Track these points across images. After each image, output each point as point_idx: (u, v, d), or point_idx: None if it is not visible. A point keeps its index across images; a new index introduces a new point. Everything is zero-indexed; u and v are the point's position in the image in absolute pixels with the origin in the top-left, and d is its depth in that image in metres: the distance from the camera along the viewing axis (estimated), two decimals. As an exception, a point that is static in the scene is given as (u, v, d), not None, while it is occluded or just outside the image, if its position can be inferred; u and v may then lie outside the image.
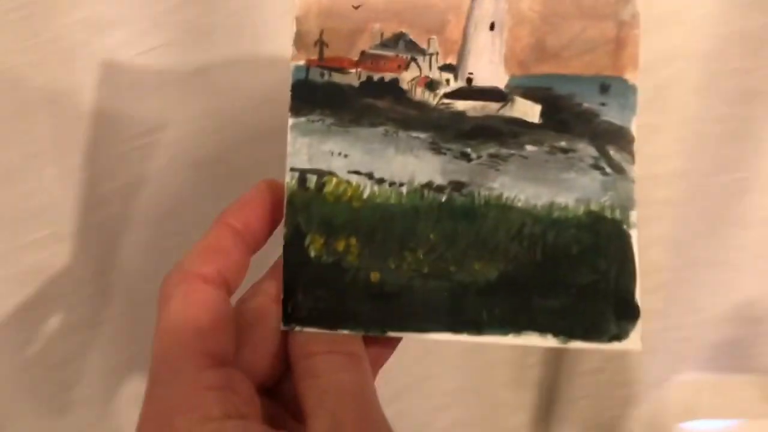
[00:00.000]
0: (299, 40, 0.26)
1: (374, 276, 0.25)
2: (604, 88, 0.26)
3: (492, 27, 0.26)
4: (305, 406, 0.23)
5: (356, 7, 0.26)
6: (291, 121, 0.26)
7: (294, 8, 0.26)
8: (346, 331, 0.25)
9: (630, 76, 0.26)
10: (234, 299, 0.26)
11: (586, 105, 0.26)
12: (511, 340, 0.25)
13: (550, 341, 0.25)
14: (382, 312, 0.25)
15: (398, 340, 0.27)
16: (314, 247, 0.25)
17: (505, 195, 0.26)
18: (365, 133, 0.26)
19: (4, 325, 0.40)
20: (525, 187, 0.26)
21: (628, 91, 0.26)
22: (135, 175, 0.39)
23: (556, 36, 0.26)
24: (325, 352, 0.24)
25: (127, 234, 0.41)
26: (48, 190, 0.37)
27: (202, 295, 0.24)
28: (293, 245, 0.25)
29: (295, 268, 0.25)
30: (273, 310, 0.25)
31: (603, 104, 0.26)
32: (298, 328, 0.25)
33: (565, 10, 0.26)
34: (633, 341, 0.25)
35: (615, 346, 0.25)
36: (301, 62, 0.26)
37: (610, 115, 0.26)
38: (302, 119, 0.26)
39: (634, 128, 0.26)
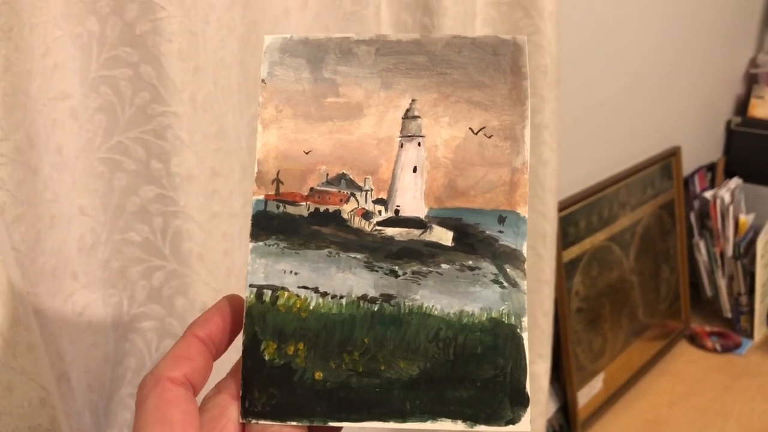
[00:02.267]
0: (260, 179, 0.32)
1: (318, 375, 0.31)
2: (502, 219, 0.33)
3: (415, 170, 0.33)
4: None
5: (307, 153, 0.33)
6: (251, 245, 0.32)
7: (256, 152, 0.33)
8: (294, 423, 0.30)
9: (521, 210, 0.33)
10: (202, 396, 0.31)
11: (488, 232, 0.33)
12: (429, 425, 0.31)
13: (459, 426, 0.31)
14: (325, 405, 0.31)
15: (339, 428, 0.32)
16: (268, 351, 0.31)
17: (425, 305, 0.32)
18: (312, 255, 0.32)
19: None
20: (441, 298, 0.32)
21: (520, 221, 0.33)
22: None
23: (464, 178, 0.33)
24: None
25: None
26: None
27: (171, 394, 0.29)
28: (251, 350, 0.31)
29: (252, 369, 0.31)
30: (233, 405, 0.30)
31: (501, 232, 0.33)
32: (254, 421, 0.30)
33: (471, 158, 0.33)
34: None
35: (510, 428, 0.31)
36: (261, 197, 0.32)
37: (507, 240, 0.33)
38: (260, 243, 0.32)
39: (525, 251, 0.33)
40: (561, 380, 1.26)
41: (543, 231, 1.00)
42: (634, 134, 1.42)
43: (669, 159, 1.50)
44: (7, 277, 0.45)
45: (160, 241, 0.59)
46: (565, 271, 1.20)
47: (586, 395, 1.28)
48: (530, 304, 1.03)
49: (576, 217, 1.22)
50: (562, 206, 1.16)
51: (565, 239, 1.20)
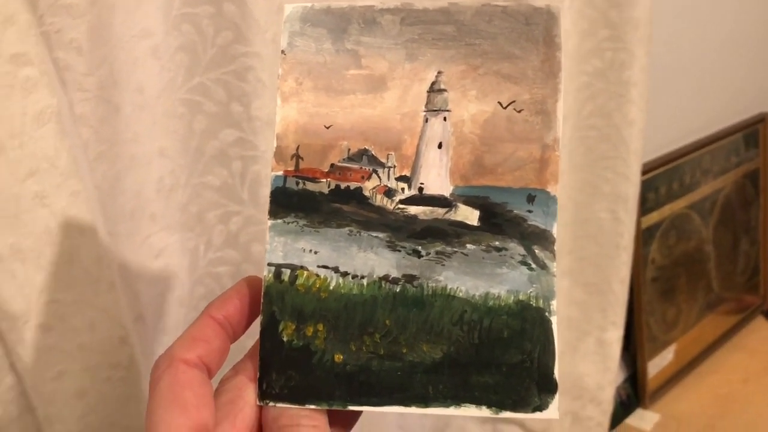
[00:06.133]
0: (279, 154, 0.32)
1: (338, 357, 0.30)
2: (531, 198, 0.31)
3: (440, 146, 0.32)
4: None
5: (327, 127, 0.32)
6: (269, 222, 0.31)
7: (275, 126, 0.32)
8: (312, 406, 0.30)
9: (552, 189, 0.31)
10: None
11: (516, 212, 0.31)
12: (452, 411, 0.30)
13: (484, 412, 0.30)
14: (344, 389, 0.30)
15: (359, 413, 0.32)
16: (286, 332, 0.30)
17: (449, 286, 0.31)
18: (333, 233, 0.31)
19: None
20: (465, 279, 0.31)
21: (550, 200, 0.31)
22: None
23: (491, 155, 0.31)
24: (293, 425, 0.29)
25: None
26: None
27: (185, 376, 0.28)
28: (269, 331, 0.30)
29: (269, 351, 0.30)
30: (250, 387, 0.30)
31: (530, 211, 0.31)
32: (271, 404, 0.30)
33: (499, 134, 0.31)
34: (552, 411, 0.30)
35: (537, 415, 0.30)
36: (280, 173, 0.32)
37: (536, 220, 0.31)
38: (279, 221, 0.31)
39: (555, 231, 0.31)
40: (631, 349, 1.22)
41: (625, 194, 0.94)
42: (720, 98, 1.33)
43: (756, 126, 1.41)
44: (91, 214, 0.45)
45: (238, 186, 0.58)
46: (642, 238, 1.15)
47: (657, 366, 1.24)
48: (606, 271, 0.98)
49: (656, 182, 1.17)
50: (643, 170, 1.11)
51: (643, 205, 1.15)
